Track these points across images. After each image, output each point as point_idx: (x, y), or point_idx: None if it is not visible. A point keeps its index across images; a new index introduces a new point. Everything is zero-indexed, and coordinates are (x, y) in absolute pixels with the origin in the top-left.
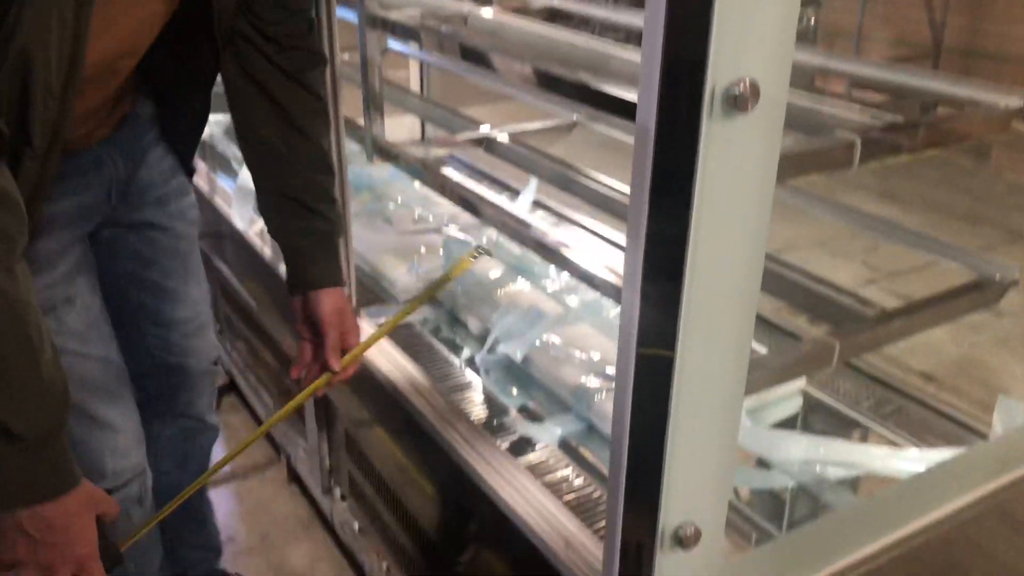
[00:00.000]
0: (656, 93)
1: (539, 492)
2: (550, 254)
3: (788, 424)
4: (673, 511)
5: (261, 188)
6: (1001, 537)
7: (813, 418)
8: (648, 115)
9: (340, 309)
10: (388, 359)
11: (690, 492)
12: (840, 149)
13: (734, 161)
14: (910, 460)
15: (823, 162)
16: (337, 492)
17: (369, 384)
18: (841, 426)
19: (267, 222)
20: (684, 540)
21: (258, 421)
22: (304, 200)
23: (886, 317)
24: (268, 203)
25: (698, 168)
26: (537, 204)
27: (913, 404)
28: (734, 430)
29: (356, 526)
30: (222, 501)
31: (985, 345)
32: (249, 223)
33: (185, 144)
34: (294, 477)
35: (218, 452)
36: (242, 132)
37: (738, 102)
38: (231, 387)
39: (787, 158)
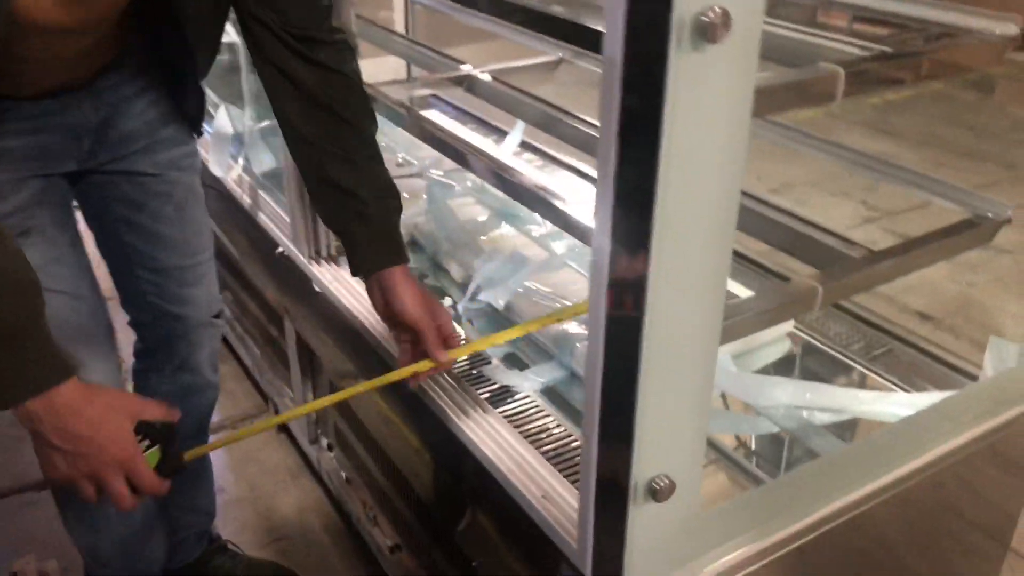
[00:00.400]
0: (622, 23)
1: (517, 443)
2: (531, 201)
3: (778, 367)
4: (646, 464)
5: (305, 178)
6: (991, 478)
7: (801, 362)
8: (614, 47)
9: (422, 301)
10: (367, 308)
11: (663, 445)
12: (822, 81)
13: (705, 95)
14: (898, 404)
15: (804, 95)
16: (324, 442)
17: (349, 333)
18: (830, 370)
19: (317, 213)
20: (657, 493)
21: (245, 370)
22: (341, 183)
23: (872, 259)
24: (312, 192)
25: (667, 102)
26: (525, 145)
27: (904, 346)
28: (708, 381)
29: (343, 475)
30: (212, 452)
31: (983, 283)
32: (226, 169)
33: (182, 95)
34: (283, 426)
35: None
36: (280, 123)
37: (708, 32)
38: None
39: (764, 91)
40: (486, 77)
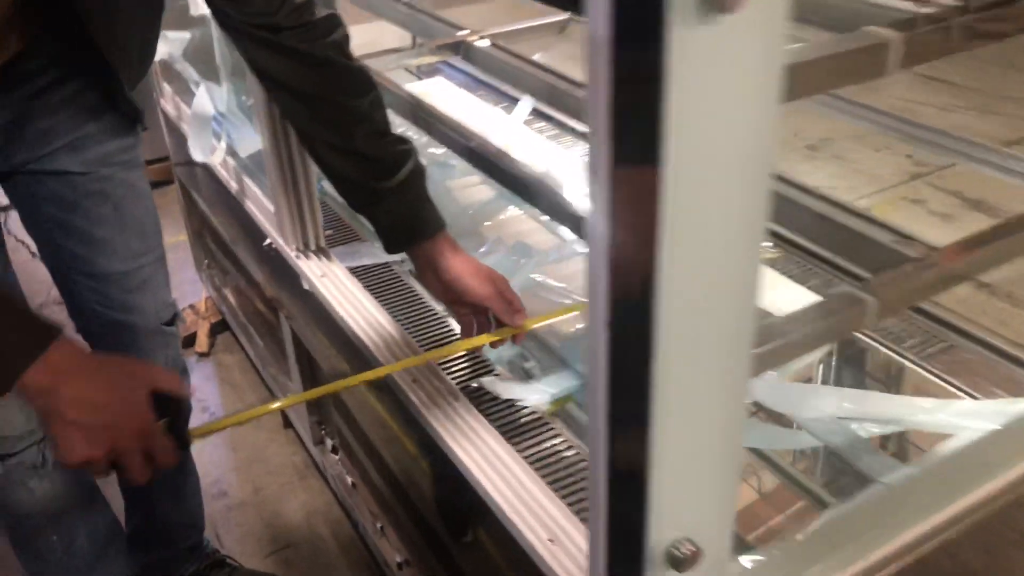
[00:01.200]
0: None
1: (523, 472)
2: (521, 191)
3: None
4: (664, 526)
5: (324, 174)
6: None
7: (847, 362)
8: (599, 22)
9: (478, 272)
10: (359, 308)
11: (685, 503)
12: (868, 51)
13: (719, 79)
14: (964, 414)
15: (845, 71)
16: (328, 444)
17: (341, 335)
18: (881, 371)
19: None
20: (680, 562)
21: (251, 361)
22: (340, 170)
23: (933, 260)
24: (327, 177)
25: (670, 91)
26: (539, 112)
27: (967, 341)
28: (738, 423)
29: (349, 481)
30: (215, 452)
31: None
32: (209, 152)
33: (113, 83)
34: (289, 423)
35: (213, 392)
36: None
37: None
38: (225, 325)
39: (795, 69)
40: (484, 43)
